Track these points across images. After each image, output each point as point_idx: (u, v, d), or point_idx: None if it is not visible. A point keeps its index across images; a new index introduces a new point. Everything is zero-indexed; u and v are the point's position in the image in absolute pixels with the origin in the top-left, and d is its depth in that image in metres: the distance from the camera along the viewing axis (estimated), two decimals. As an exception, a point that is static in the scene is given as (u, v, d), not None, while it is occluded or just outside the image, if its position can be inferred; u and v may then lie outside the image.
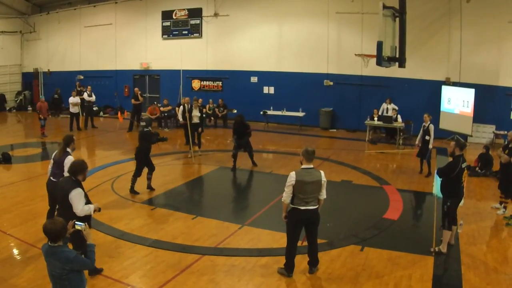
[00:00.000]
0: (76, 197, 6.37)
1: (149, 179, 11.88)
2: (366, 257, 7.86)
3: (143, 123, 11.99)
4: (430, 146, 13.28)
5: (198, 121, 16.00)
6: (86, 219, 6.41)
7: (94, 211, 6.66)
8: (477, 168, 13.90)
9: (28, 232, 8.79)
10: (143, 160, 11.57)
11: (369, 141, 19.14)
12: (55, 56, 30.30)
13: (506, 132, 13.39)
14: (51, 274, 4.79)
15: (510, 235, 9.25)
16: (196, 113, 15.98)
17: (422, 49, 19.59)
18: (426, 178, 13.36)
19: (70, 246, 5.50)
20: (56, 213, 6.59)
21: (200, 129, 16.05)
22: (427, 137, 13.32)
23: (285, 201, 6.86)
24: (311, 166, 6.88)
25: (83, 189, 6.54)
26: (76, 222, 5.16)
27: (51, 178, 8.31)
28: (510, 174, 9.99)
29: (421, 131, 13.57)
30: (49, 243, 4.70)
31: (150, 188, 11.87)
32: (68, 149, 8.22)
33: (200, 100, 21.85)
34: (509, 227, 9.53)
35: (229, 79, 24.77)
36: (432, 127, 13.32)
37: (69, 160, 8.00)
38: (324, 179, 6.88)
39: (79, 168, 6.60)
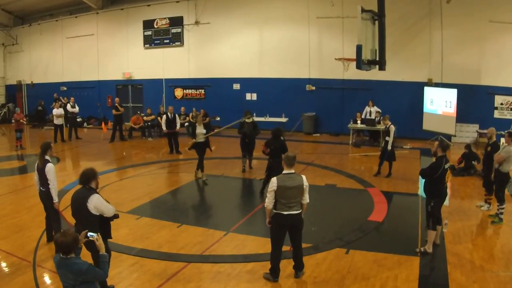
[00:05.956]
0: (98, 201, 6.18)
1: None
2: (352, 259, 7.84)
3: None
4: (389, 147, 13.43)
5: (204, 140, 13.44)
6: (105, 232, 6.29)
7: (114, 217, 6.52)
8: (456, 166, 14.01)
9: (15, 244, 8.64)
10: None
11: (352, 145, 19.23)
12: (38, 68, 30.23)
13: (489, 130, 13.51)
14: (64, 285, 4.73)
15: (495, 233, 9.30)
16: (201, 130, 13.40)
17: (404, 51, 19.75)
18: (407, 179, 13.40)
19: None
20: (74, 228, 6.30)
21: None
22: (387, 138, 13.56)
23: (268, 207, 6.84)
24: (292, 171, 6.86)
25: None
26: (89, 233, 5.07)
27: (41, 188, 8.25)
28: (493, 172, 10.02)
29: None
30: (61, 255, 4.62)
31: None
32: (47, 157, 8.15)
33: (183, 108, 21.89)
34: (495, 225, 9.58)
35: (211, 87, 24.78)
36: (392, 128, 13.49)
37: (49, 168, 8.02)
38: (306, 183, 6.85)
39: (91, 175, 6.41)
